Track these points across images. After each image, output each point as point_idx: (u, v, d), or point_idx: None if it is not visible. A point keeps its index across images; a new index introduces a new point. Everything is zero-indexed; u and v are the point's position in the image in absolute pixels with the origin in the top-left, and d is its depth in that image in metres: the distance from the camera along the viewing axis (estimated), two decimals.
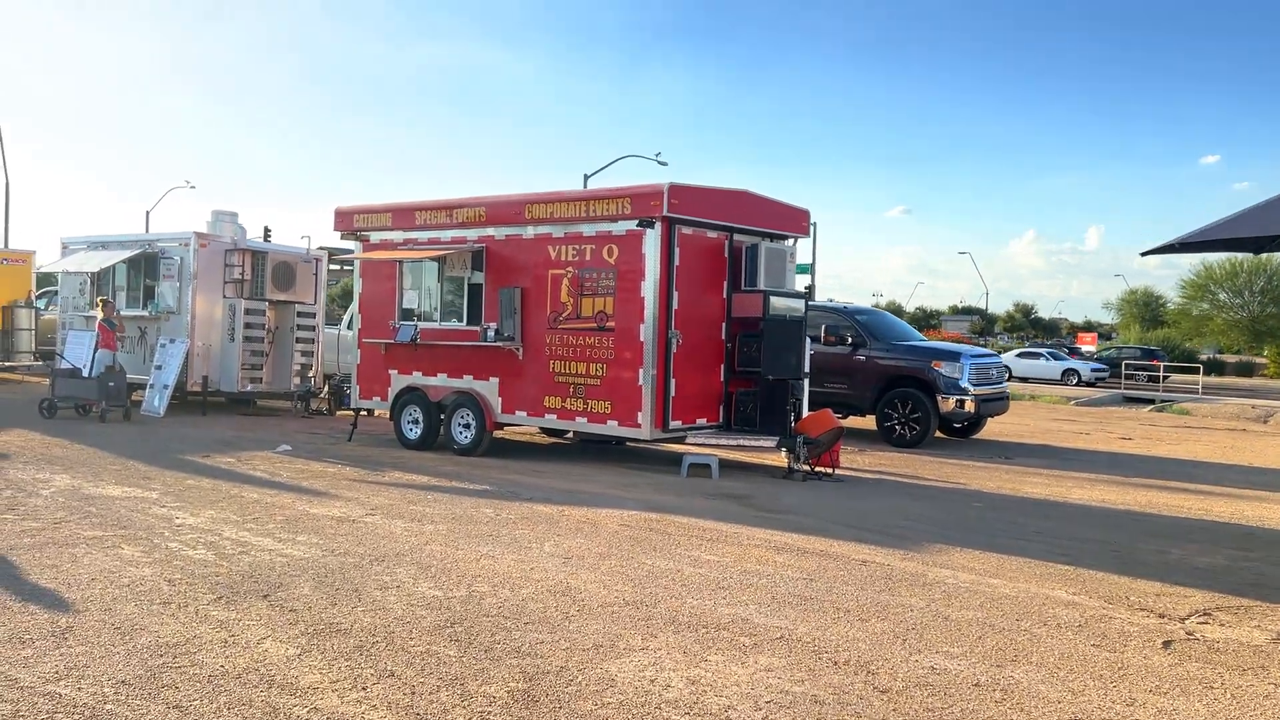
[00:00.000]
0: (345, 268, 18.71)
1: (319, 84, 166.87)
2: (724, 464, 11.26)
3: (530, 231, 11.68)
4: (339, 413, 16.90)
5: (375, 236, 13.25)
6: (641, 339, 10.69)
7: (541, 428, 13.34)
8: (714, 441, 11.10)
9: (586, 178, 37.87)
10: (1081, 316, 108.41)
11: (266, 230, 17.59)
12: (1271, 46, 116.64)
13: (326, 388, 17.30)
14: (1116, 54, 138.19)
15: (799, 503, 9.43)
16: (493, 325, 11.87)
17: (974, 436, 15.54)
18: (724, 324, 11.44)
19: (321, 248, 17.70)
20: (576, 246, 11.27)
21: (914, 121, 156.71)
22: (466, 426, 12.20)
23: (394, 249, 12.98)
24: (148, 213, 50.56)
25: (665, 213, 10.44)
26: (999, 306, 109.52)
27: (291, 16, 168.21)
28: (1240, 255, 57.78)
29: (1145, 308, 78.13)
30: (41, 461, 10.50)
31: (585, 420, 11.19)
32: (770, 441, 10.88)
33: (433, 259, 12.37)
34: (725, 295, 11.44)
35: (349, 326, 19.61)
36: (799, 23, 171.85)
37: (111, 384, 14.60)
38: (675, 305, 10.78)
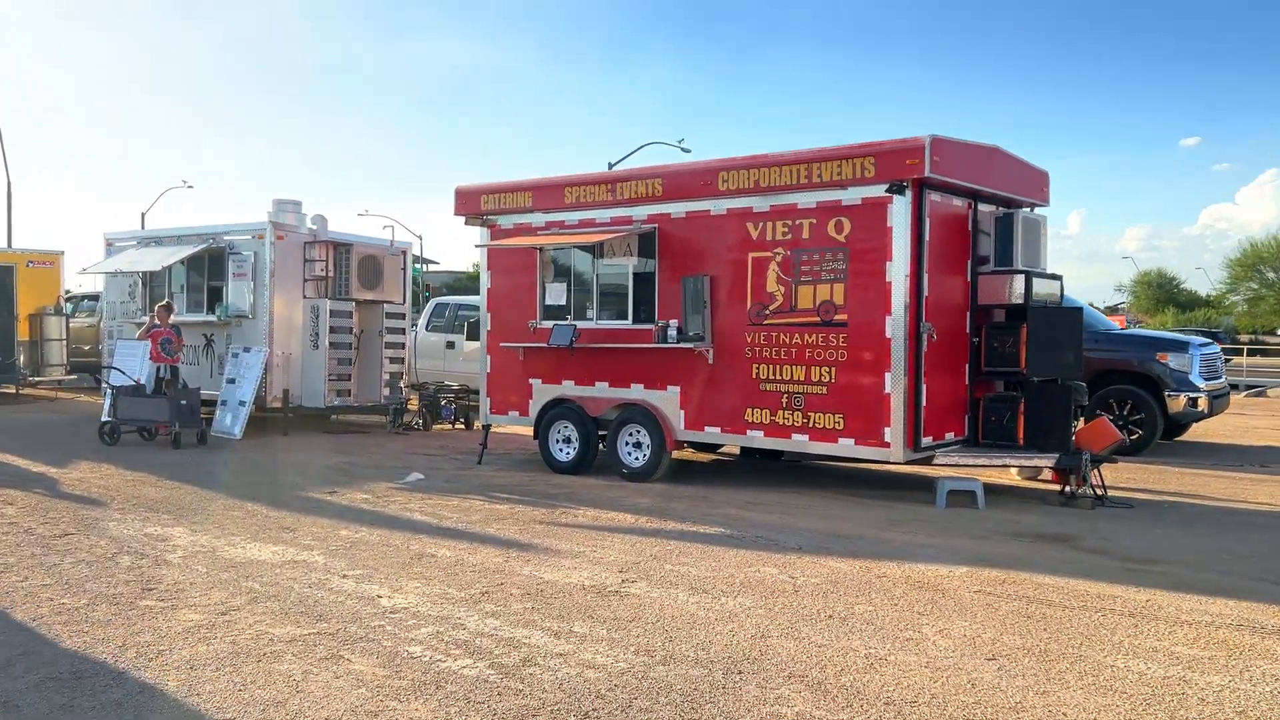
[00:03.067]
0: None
1: (297, 83, 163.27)
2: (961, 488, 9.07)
3: (721, 206, 9.51)
4: (435, 427, 14.75)
5: (508, 221, 11.06)
6: (888, 335, 8.53)
7: (701, 444, 11.19)
8: (970, 462, 8.95)
9: (611, 166, 35.32)
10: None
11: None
12: (1252, 28, 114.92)
13: (418, 399, 15.13)
14: (1095, 37, 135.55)
15: (1138, 544, 7.30)
16: (673, 322, 9.70)
17: (1179, 439, 13.42)
18: (968, 314, 9.30)
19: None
20: (788, 222, 9.10)
21: (900, 109, 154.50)
22: (637, 446, 10.03)
23: (534, 234, 10.79)
24: (143, 214, 47.83)
25: (927, 173, 8.28)
26: None
27: (268, 15, 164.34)
28: None
29: (1160, 289, 76.28)
30: (140, 508, 8.32)
31: (806, 438, 9.03)
32: (1048, 460, 8.75)
33: (592, 244, 10.19)
34: (969, 278, 9.29)
35: (428, 328, 17.51)
36: (784, 11, 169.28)
37: (184, 403, 12.40)
38: (925, 292, 8.63)
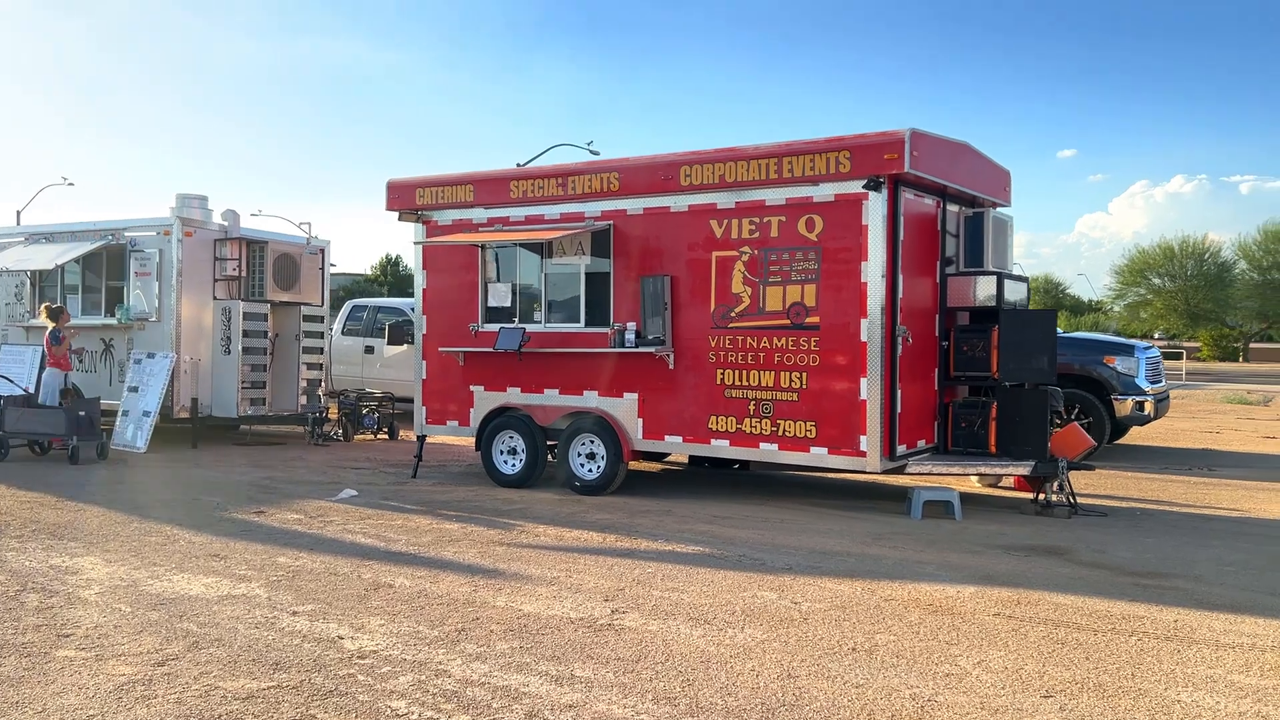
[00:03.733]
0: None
1: (180, 80, 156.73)
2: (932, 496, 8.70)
3: (683, 202, 8.98)
4: (356, 438, 13.86)
5: (447, 216, 10.32)
6: (863, 338, 8.12)
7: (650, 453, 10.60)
8: (944, 470, 8.61)
9: (520, 166, 34.03)
10: None
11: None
12: (1124, 46, 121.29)
13: (338, 407, 14.20)
14: (976, 49, 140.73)
15: (1132, 556, 7.02)
16: (630, 325, 9.14)
17: (1117, 442, 13.42)
18: (937, 316, 8.96)
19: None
20: (755, 220, 8.63)
21: (791, 116, 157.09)
22: (590, 457, 9.43)
23: (476, 231, 10.09)
24: (19, 212, 45.10)
25: (907, 168, 7.90)
26: None
27: (151, 9, 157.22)
28: (1170, 237, 58.37)
29: (1048, 295, 78.96)
30: (41, 534, 7.36)
31: (775, 447, 8.57)
32: (1023, 468, 8.45)
33: (541, 242, 9.54)
34: (938, 279, 8.95)
35: (343, 331, 16.58)
36: (681, 13, 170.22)
37: (82, 414, 11.28)
38: (900, 293, 8.25)
